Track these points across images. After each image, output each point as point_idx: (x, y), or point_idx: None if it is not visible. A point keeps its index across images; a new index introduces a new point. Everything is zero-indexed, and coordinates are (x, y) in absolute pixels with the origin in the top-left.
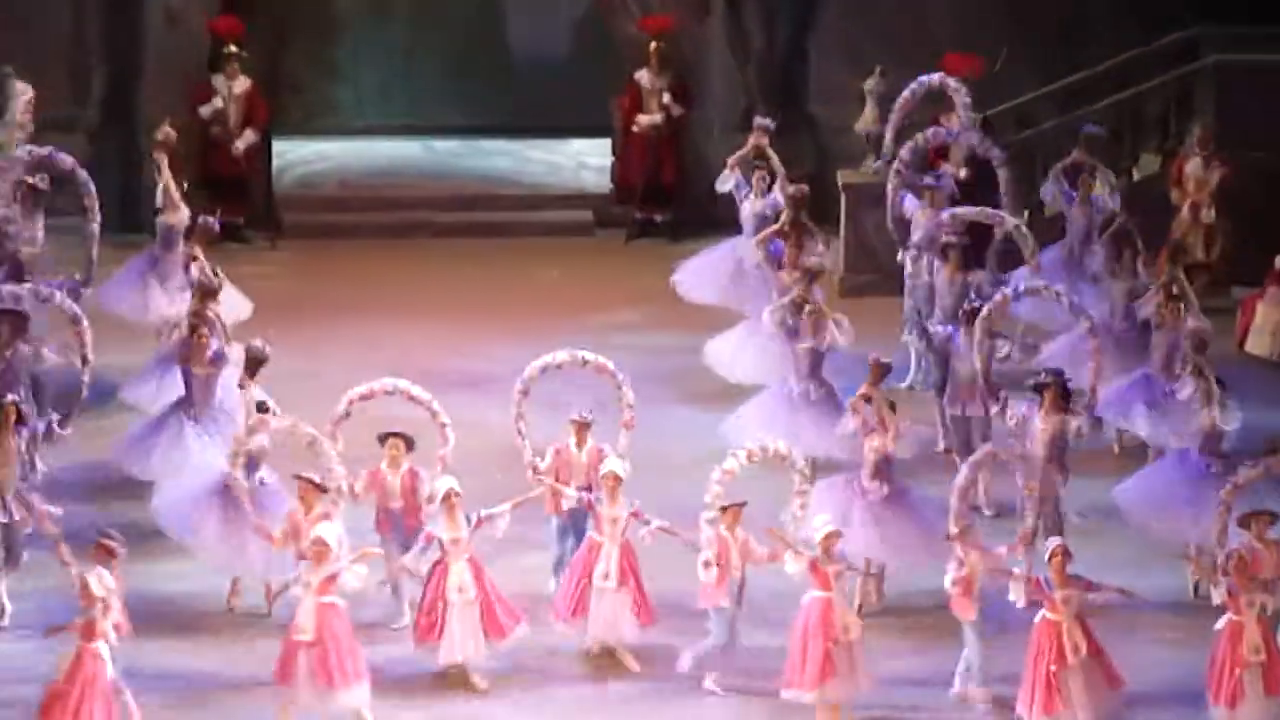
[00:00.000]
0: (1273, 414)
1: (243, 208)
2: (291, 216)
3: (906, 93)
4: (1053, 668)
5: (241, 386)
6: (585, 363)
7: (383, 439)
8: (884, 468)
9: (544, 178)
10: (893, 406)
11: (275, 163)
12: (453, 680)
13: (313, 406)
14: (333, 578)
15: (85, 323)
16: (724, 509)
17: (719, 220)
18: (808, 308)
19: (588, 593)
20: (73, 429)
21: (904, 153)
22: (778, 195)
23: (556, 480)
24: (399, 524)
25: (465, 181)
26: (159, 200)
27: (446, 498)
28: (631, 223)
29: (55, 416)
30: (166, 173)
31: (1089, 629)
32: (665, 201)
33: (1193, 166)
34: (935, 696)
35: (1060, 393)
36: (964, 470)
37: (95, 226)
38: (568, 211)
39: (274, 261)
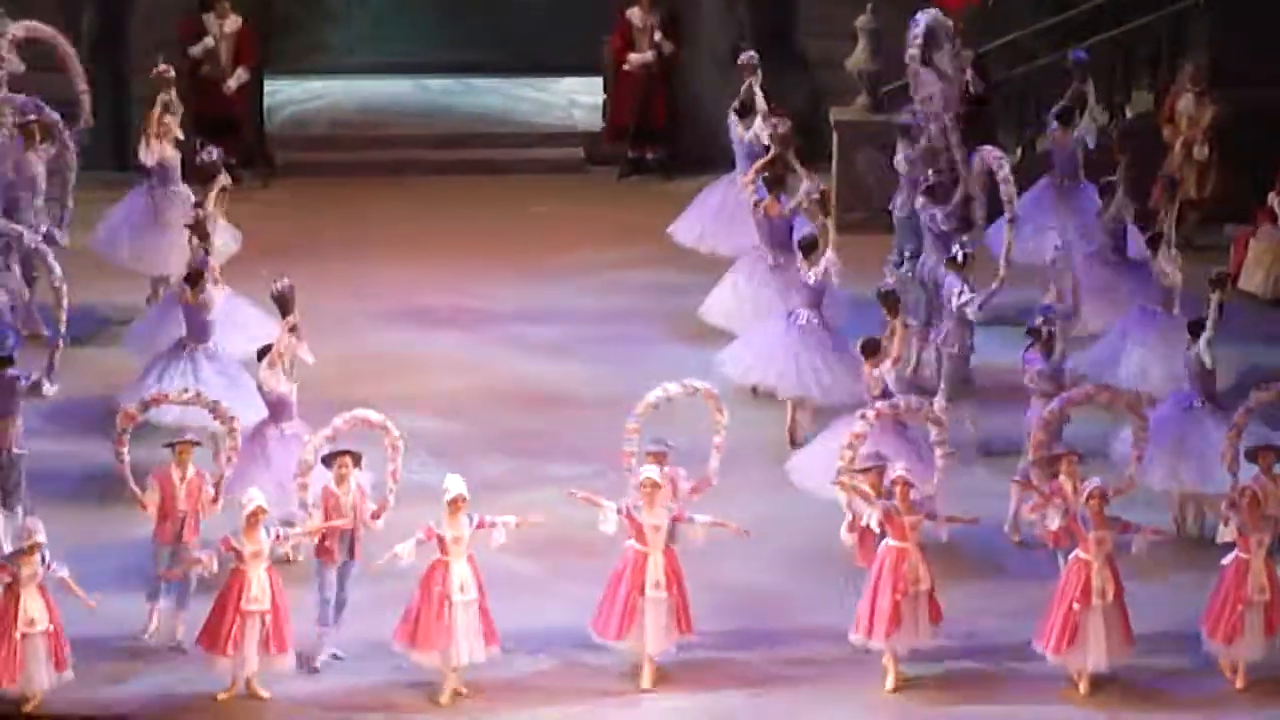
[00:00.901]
0: (1266, 352)
1: (235, 147)
2: (284, 155)
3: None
4: (1075, 606)
5: (293, 330)
6: (695, 391)
7: (329, 460)
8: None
9: (536, 116)
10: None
11: (267, 102)
12: (433, 691)
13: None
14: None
15: (58, 274)
16: (865, 470)
17: (711, 158)
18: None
19: (638, 606)
20: (64, 372)
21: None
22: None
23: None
24: (346, 545)
25: (457, 120)
26: (147, 144)
27: (454, 501)
28: (623, 160)
29: (37, 375)
30: (160, 109)
31: (1118, 576)
32: (657, 139)
33: (1185, 104)
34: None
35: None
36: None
37: (73, 177)
38: (560, 149)
39: (267, 200)
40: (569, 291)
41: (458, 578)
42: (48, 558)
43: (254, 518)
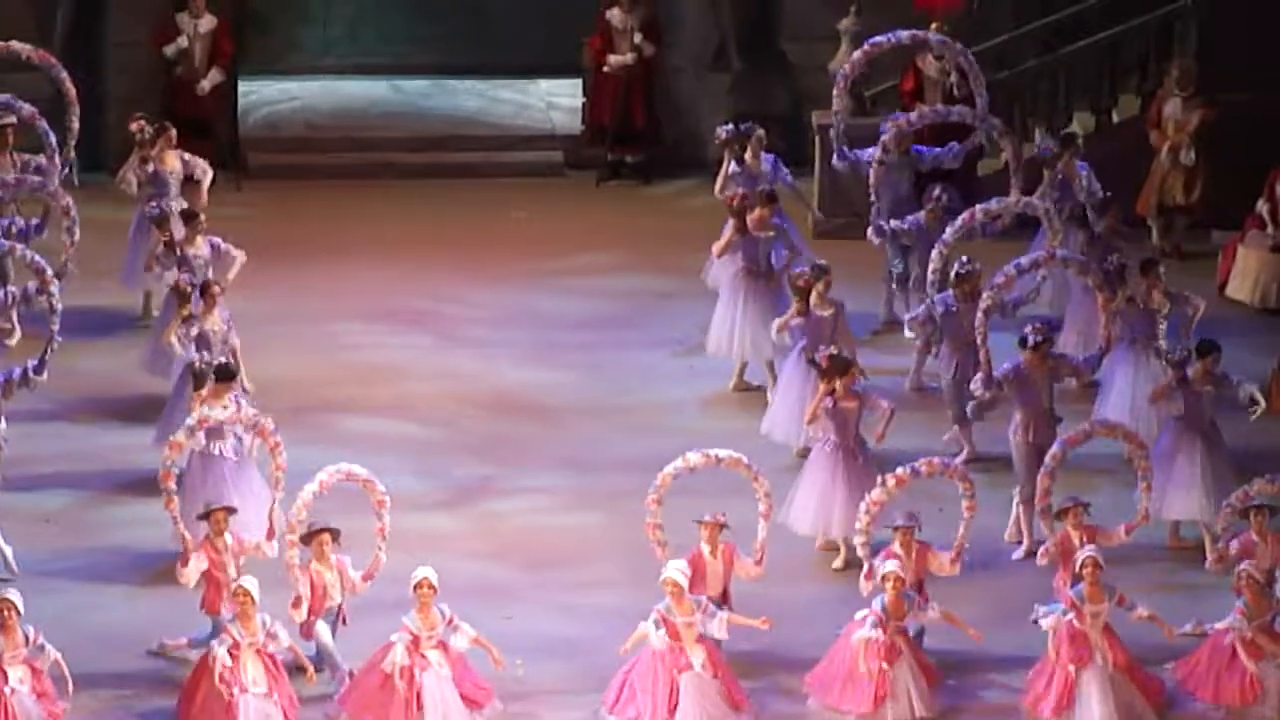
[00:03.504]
0: (1254, 360)
1: (208, 149)
2: (257, 158)
3: (868, 46)
4: (1071, 668)
5: (186, 320)
6: (719, 461)
7: (307, 539)
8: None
9: (513, 118)
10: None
11: (241, 103)
12: None
13: (281, 350)
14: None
15: (50, 272)
16: (897, 529)
17: (690, 162)
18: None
19: (676, 692)
20: (47, 375)
21: (887, 139)
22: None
23: (693, 590)
24: (333, 618)
25: (434, 122)
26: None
27: (420, 586)
28: (603, 164)
29: (30, 364)
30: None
31: (1119, 644)
32: (636, 143)
33: (1171, 108)
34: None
35: (1048, 344)
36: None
37: (55, 185)
38: (538, 152)
39: (240, 203)
40: (546, 296)
41: (435, 661)
42: (32, 634)
43: (246, 607)
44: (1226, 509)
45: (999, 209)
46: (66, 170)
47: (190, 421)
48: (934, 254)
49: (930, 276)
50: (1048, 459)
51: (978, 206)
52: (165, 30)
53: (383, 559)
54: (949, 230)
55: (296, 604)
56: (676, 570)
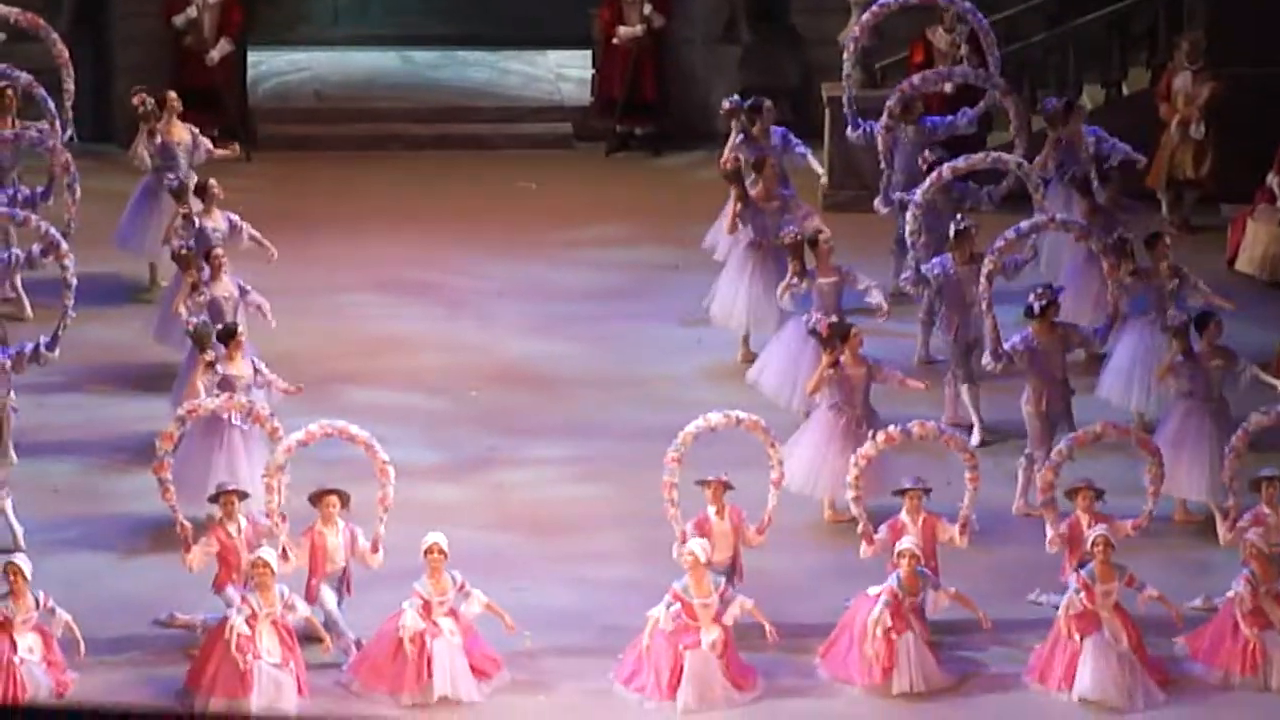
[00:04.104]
0: (1262, 334)
1: (217, 119)
2: (266, 128)
3: (876, 7)
4: (1077, 636)
5: (194, 289)
6: (739, 422)
7: (315, 499)
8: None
9: (522, 90)
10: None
11: (250, 73)
12: None
13: (289, 322)
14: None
15: (65, 246)
16: (903, 492)
17: (700, 134)
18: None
19: (680, 664)
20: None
21: (892, 103)
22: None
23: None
24: (337, 584)
25: (443, 94)
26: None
27: (430, 551)
28: (612, 136)
29: (43, 340)
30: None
31: (1131, 623)
32: (646, 114)
33: (1181, 81)
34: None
35: (1054, 308)
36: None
37: (55, 142)
38: (547, 124)
39: (249, 174)
40: (555, 268)
41: (446, 629)
42: (42, 599)
43: (265, 578)
44: (1230, 454)
45: (966, 166)
46: (68, 134)
47: (180, 412)
48: (909, 215)
49: (909, 239)
50: (1053, 455)
51: (945, 164)
52: (174, 0)
53: (382, 531)
54: (919, 190)
55: (284, 555)
56: (699, 545)
